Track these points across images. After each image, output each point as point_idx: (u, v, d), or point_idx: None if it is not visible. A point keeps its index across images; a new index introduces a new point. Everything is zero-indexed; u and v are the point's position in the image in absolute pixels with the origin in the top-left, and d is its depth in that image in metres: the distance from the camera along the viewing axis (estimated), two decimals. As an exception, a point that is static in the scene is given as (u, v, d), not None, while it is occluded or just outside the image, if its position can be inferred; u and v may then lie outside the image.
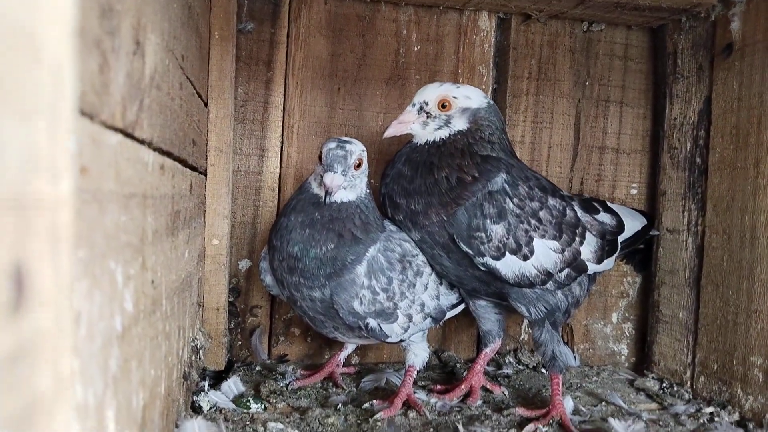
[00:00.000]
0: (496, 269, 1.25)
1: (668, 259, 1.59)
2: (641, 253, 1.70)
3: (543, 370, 1.61)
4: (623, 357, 1.75)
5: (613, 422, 1.24)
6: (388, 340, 1.29)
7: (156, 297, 0.79)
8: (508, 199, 1.24)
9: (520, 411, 1.31)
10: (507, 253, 1.24)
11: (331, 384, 1.44)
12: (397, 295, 1.26)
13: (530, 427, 1.22)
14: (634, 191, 1.72)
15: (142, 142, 0.69)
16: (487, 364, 1.58)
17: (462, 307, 1.45)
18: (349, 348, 1.51)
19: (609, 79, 1.69)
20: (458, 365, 1.61)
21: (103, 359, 0.54)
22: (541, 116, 1.66)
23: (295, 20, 1.56)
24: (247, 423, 1.20)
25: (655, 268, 1.64)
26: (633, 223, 1.49)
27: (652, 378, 1.58)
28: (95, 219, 0.51)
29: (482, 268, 1.26)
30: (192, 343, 1.18)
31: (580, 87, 1.68)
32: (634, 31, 1.69)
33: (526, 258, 1.25)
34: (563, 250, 1.29)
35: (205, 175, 1.35)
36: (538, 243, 1.26)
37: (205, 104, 1.33)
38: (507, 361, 1.64)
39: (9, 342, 0.24)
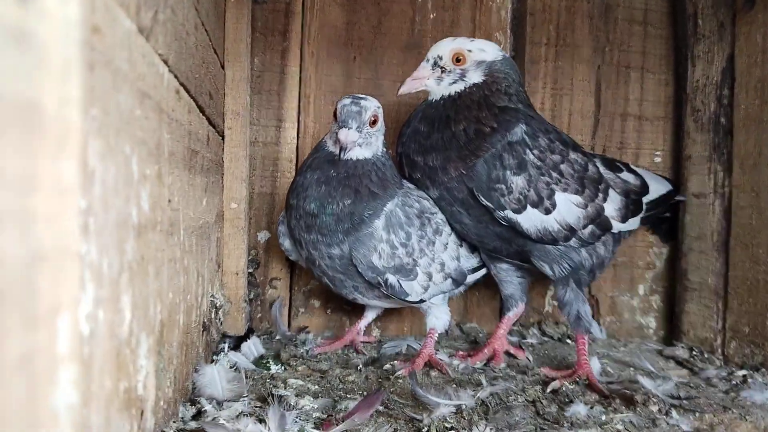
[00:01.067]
0: (517, 223, 1.22)
1: (695, 224, 1.55)
2: (667, 222, 1.66)
3: (568, 341, 1.57)
4: (651, 330, 1.70)
5: (642, 380, 1.20)
6: (408, 298, 1.26)
7: (174, 220, 0.78)
8: (528, 150, 1.22)
9: (546, 371, 1.27)
10: (528, 206, 1.21)
11: (352, 350, 1.42)
12: (416, 251, 1.24)
13: (555, 383, 1.18)
14: (658, 159, 1.69)
15: (156, 52, 0.69)
16: (511, 334, 1.55)
17: (483, 272, 1.42)
18: (370, 316, 1.49)
19: (629, 45, 1.67)
20: (481, 335, 1.58)
21: (118, 238, 0.53)
22: (560, 83, 1.64)
23: (310, -10, 1.56)
24: (267, 380, 1.18)
25: (682, 235, 1.60)
26: (657, 186, 1.46)
27: (682, 347, 1.54)
28: (108, 87, 0.50)
29: (503, 223, 1.23)
30: (211, 299, 1.17)
31: (599, 53, 1.66)
32: (652, -5, 1.66)
33: (548, 212, 1.23)
34: (586, 206, 1.27)
35: (223, 138, 1.35)
36: (560, 197, 1.24)
37: (222, 67, 1.33)
38: (531, 333, 1.60)
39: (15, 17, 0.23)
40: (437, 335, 1.34)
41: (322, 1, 1.57)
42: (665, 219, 1.65)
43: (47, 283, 0.34)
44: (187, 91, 0.89)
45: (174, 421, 0.82)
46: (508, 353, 1.40)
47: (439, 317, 1.35)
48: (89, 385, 0.46)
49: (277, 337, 1.49)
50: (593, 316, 1.67)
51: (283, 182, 1.57)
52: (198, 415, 0.90)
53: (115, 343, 0.53)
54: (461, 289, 1.43)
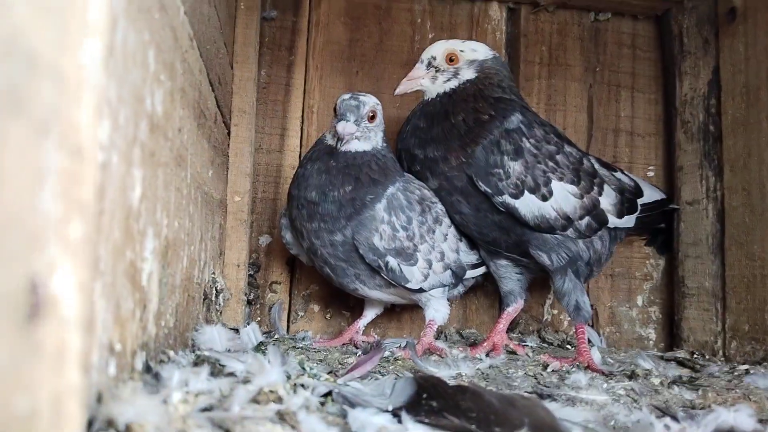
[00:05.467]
0: (515, 209, 1.25)
1: (690, 231, 1.58)
2: (663, 235, 1.68)
3: (568, 347, 1.56)
4: (651, 342, 1.69)
5: (643, 363, 1.20)
6: (408, 285, 1.27)
7: (182, 154, 0.81)
8: (524, 139, 1.26)
9: (545, 358, 1.26)
10: (525, 191, 1.24)
11: (351, 347, 1.41)
12: (417, 236, 1.26)
13: (555, 364, 1.18)
14: (651, 173, 1.73)
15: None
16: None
17: (483, 269, 1.43)
18: (369, 315, 1.49)
19: (619, 66, 1.75)
20: (480, 338, 1.57)
21: (133, 108, 0.56)
22: (554, 99, 1.71)
23: (315, 9, 1.66)
24: (265, 361, 1.17)
25: (678, 244, 1.62)
26: (651, 193, 1.50)
27: (683, 351, 1.53)
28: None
29: (501, 209, 1.26)
30: (213, 276, 1.19)
31: (590, 72, 1.74)
32: (640, 21, 1.76)
33: (545, 198, 1.26)
34: (582, 196, 1.30)
35: (229, 134, 1.40)
36: (556, 185, 1.27)
37: (231, 66, 1.40)
38: (531, 339, 1.60)
39: None
40: (436, 327, 1.34)
41: (327, 20, 1.66)
42: (661, 231, 1.67)
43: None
44: (199, 52, 0.95)
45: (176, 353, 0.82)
46: (507, 349, 1.39)
47: (438, 310, 1.35)
48: (100, 213, 0.47)
49: (276, 337, 1.48)
50: (592, 326, 1.67)
51: (285, 188, 1.60)
52: (199, 361, 0.90)
53: (126, 204, 0.55)
54: (460, 289, 1.44)
